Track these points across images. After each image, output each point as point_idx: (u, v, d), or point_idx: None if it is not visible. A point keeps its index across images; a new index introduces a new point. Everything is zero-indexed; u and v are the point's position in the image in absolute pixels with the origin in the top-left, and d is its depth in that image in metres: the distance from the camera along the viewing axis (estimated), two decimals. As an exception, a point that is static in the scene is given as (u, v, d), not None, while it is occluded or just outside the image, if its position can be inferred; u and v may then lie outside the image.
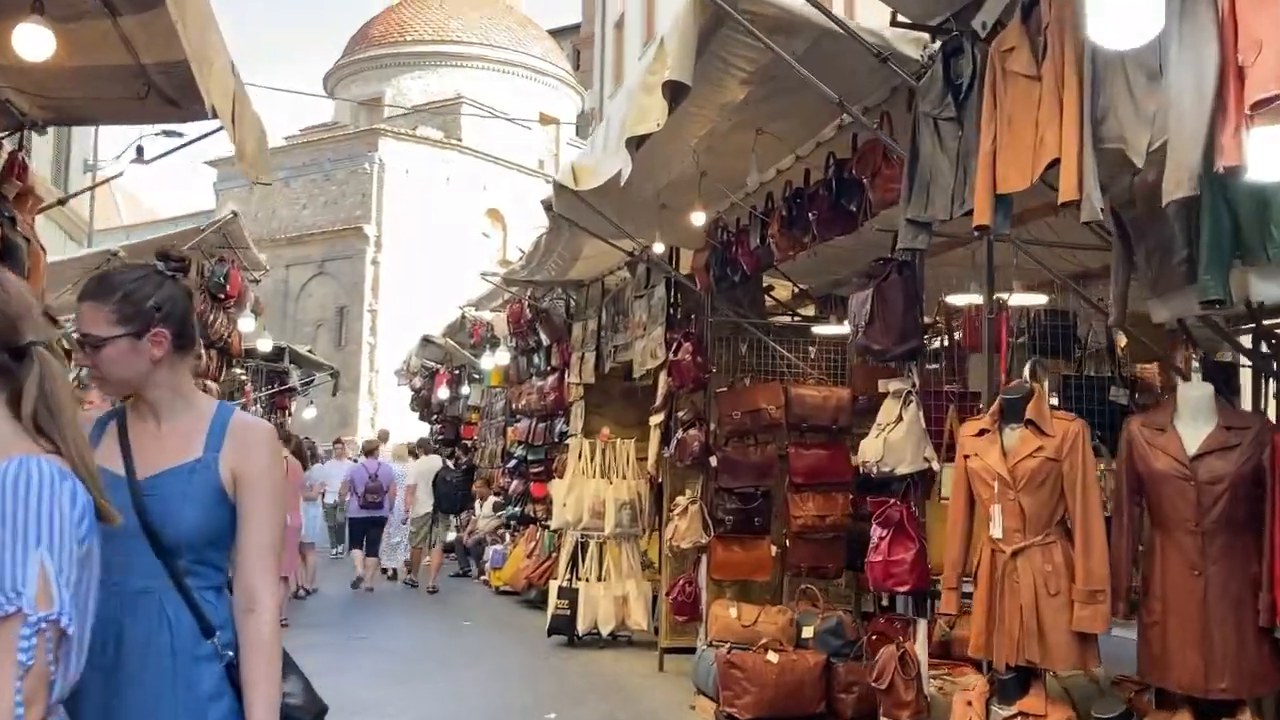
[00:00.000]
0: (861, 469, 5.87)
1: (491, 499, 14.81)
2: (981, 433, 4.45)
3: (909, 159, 4.50)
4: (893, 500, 5.37)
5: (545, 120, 39.34)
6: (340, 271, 39.12)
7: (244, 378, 16.44)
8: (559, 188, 7.39)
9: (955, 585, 4.73)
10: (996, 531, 4.29)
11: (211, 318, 10.47)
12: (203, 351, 10.82)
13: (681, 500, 7.50)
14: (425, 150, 38.50)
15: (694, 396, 7.64)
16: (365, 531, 13.88)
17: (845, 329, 7.98)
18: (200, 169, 41.92)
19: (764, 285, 8.94)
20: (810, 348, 7.85)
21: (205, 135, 6.60)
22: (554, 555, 11.72)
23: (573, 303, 11.71)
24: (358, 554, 13.94)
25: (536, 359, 12.96)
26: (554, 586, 9.94)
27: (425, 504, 13.91)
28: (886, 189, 5.19)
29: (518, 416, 14.23)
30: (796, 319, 8.51)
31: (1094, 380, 6.12)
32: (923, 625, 5.32)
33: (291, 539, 10.70)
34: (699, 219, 6.68)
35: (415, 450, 16.13)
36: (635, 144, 4.96)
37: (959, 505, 4.56)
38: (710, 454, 7.38)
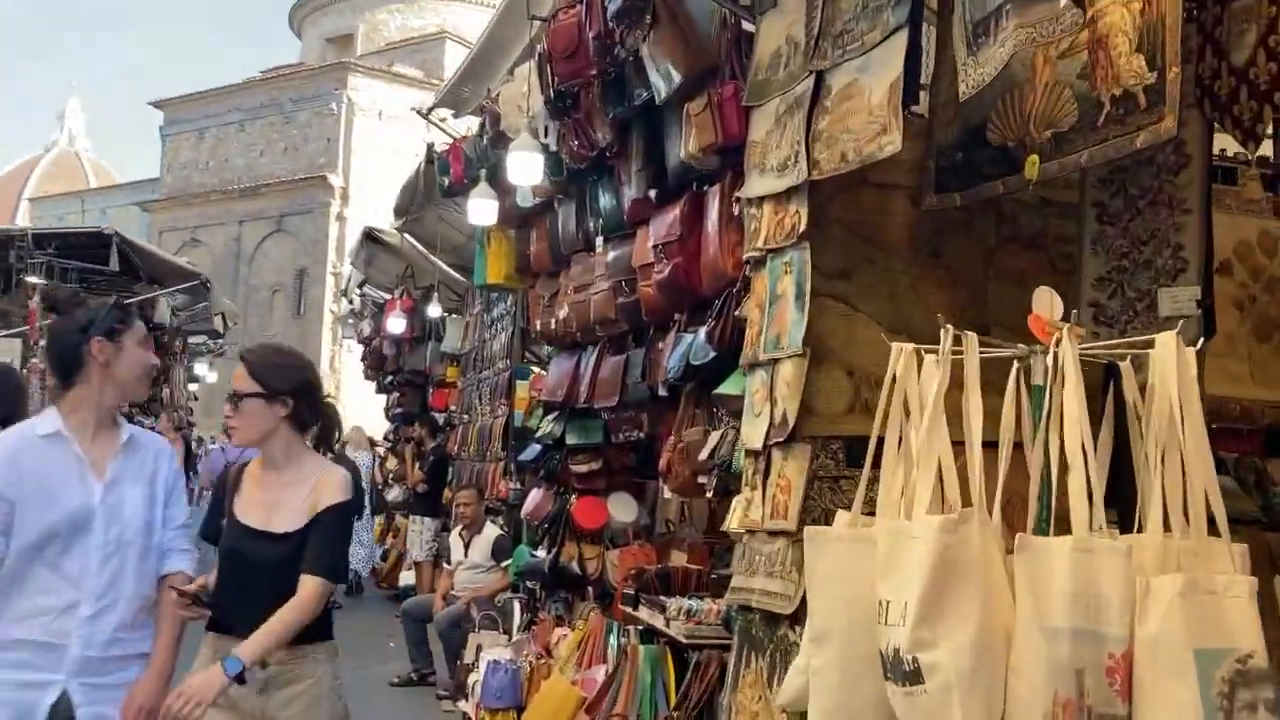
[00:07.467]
0: None
1: (492, 530, 6.51)
2: None
3: None
4: None
5: (541, 67, 31.60)
6: (300, 228, 31.23)
7: (29, 278, 8.00)
8: None
9: None
10: None
11: None
12: None
13: None
14: (401, 91, 30.43)
15: None
16: None
17: None
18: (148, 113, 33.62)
19: None
20: None
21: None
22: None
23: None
24: None
25: (607, 193, 4.85)
26: None
27: None
28: None
29: (543, 352, 6.19)
30: None
31: None
32: None
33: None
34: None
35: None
36: None
37: None
38: None
